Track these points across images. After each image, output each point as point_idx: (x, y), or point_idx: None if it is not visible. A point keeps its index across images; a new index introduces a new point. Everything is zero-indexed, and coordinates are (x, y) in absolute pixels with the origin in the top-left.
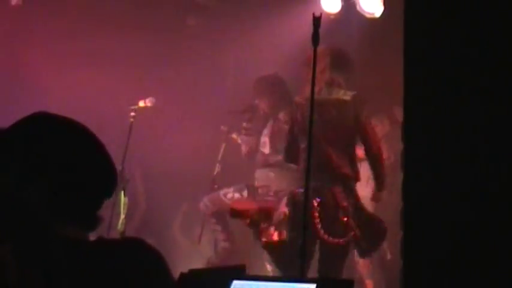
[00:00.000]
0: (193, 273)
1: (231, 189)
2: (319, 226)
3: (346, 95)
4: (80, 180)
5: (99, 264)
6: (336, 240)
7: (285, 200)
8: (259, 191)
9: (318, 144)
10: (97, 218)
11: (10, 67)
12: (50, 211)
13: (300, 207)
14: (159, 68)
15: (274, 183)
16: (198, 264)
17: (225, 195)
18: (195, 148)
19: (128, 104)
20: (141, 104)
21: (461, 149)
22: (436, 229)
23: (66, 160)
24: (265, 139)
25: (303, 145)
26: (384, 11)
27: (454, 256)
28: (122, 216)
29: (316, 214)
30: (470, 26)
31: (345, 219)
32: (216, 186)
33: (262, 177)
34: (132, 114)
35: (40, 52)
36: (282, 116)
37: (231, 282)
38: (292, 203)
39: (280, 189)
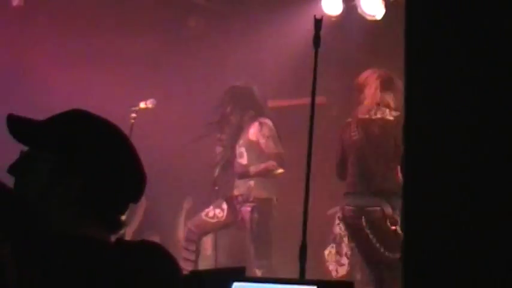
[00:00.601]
0: (194, 274)
1: (211, 207)
2: (376, 244)
3: (390, 115)
4: (111, 183)
5: (118, 264)
6: (396, 255)
7: (336, 221)
8: (239, 198)
9: (364, 161)
10: (120, 221)
11: (13, 67)
12: (77, 210)
13: (352, 225)
14: (160, 69)
15: (254, 191)
16: (200, 264)
17: (206, 214)
18: (196, 149)
19: (128, 105)
20: (142, 105)
21: (463, 149)
22: (438, 229)
23: (99, 161)
24: (241, 149)
25: (350, 160)
26: (385, 13)
27: (455, 255)
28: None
29: (367, 231)
30: (473, 28)
31: (394, 228)
32: (216, 187)
33: (242, 185)
34: (133, 115)
35: (41, 52)
36: (255, 125)
37: (232, 283)
38: (344, 221)
39: (260, 196)
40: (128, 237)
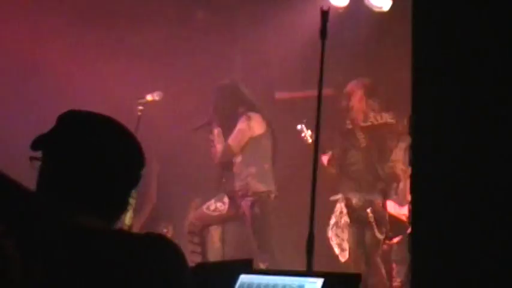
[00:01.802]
0: (201, 267)
1: (212, 201)
2: (376, 230)
3: (391, 119)
4: (97, 171)
5: (119, 254)
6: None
7: (338, 208)
8: (240, 193)
9: (371, 163)
10: (119, 209)
11: (25, 62)
12: (74, 201)
13: (356, 212)
14: (166, 61)
15: (252, 185)
16: (208, 257)
17: (208, 208)
18: (203, 142)
19: (135, 97)
20: (149, 97)
21: (471, 145)
22: (446, 225)
23: (91, 150)
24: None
25: (350, 160)
26: (392, 4)
27: (463, 252)
28: (130, 210)
29: (372, 220)
30: (482, 19)
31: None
32: (224, 179)
33: (241, 179)
34: (140, 108)
35: (50, 47)
36: (243, 119)
37: (239, 276)
38: (350, 211)
39: (258, 190)
40: (136, 230)
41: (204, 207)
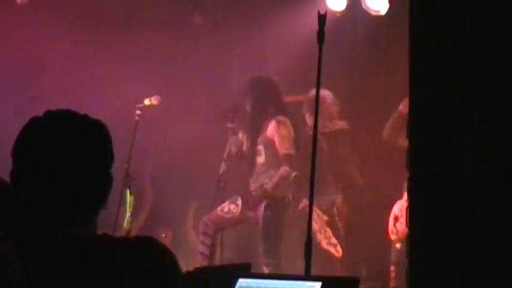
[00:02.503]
0: (199, 271)
1: (226, 203)
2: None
3: (345, 125)
4: (71, 170)
5: (108, 261)
6: None
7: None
8: (253, 193)
9: (332, 166)
10: (91, 214)
11: (23, 64)
12: (50, 209)
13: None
14: (164, 65)
15: (268, 189)
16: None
17: (222, 210)
18: (201, 145)
19: (133, 102)
20: (147, 102)
21: (469, 147)
22: (444, 229)
23: (59, 157)
24: (260, 147)
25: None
26: (389, 8)
27: (461, 256)
28: (128, 214)
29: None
30: (478, 23)
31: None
32: (222, 184)
33: (257, 181)
34: (138, 112)
35: (46, 50)
36: (273, 123)
37: (237, 280)
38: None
39: (275, 194)
40: (134, 233)
41: (219, 209)
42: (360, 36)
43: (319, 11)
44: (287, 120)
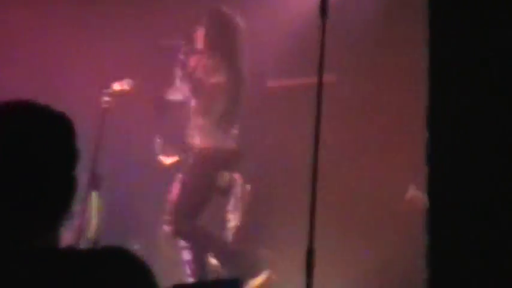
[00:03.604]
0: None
1: None
2: None
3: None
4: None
5: (74, 280)
6: None
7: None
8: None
9: None
10: (52, 223)
11: None
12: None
13: None
14: (137, 44)
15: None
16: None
17: None
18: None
19: (100, 87)
20: (117, 87)
21: (490, 139)
22: (465, 225)
23: (13, 157)
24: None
25: None
26: None
27: (486, 257)
28: (94, 221)
29: None
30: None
31: None
32: None
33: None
34: (106, 99)
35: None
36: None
37: None
38: None
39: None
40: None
41: None
42: (369, 9)
43: None
44: None
